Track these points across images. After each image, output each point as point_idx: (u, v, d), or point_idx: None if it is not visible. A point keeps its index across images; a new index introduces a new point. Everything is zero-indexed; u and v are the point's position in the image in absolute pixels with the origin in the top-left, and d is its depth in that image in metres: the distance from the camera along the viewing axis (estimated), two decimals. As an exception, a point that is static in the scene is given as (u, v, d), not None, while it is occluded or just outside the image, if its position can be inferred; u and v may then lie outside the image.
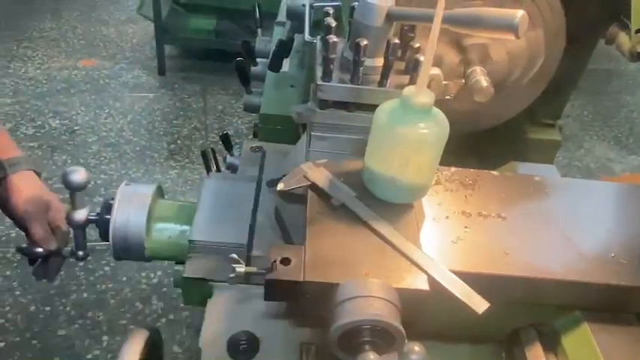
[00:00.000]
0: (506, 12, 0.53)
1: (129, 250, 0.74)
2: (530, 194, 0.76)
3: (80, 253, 0.76)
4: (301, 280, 0.53)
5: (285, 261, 0.55)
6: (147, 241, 0.74)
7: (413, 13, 0.65)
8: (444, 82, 0.77)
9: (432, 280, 0.56)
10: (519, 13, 0.53)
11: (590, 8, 0.91)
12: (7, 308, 2.00)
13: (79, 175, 0.70)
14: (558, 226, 0.70)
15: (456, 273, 0.59)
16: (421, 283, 0.55)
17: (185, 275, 0.70)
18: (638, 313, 0.66)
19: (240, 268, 0.57)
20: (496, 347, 0.76)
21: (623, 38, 0.84)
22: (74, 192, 0.71)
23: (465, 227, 0.68)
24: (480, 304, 0.54)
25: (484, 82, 0.80)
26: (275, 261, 0.54)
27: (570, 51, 0.92)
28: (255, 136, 1.19)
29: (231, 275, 0.57)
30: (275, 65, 1.14)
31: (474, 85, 0.81)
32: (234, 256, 0.57)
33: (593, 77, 3.74)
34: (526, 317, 0.72)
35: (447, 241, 0.65)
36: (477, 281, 0.59)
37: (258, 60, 1.37)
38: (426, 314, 0.58)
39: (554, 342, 0.68)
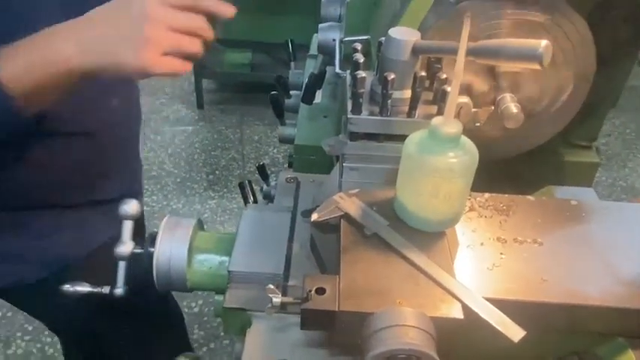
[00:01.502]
0: (530, 42, 0.55)
1: (171, 282, 0.76)
2: (567, 219, 0.75)
3: (119, 290, 0.77)
4: (336, 309, 0.54)
5: (320, 291, 0.56)
6: (188, 272, 0.75)
7: (438, 46, 0.66)
8: (474, 110, 0.78)
9: (466, 309, 0.56)
10: (543, 43, 0.54)
11: (621, 31, 0.91)
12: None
13: (131, 206, 0.74)
14: (597, 251, 0.69)
15: (491, 301, 0.58)
16: (456, 312, 0.55)
17: (225, 305, 0.72)
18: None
19: (277, 299, 0.58)
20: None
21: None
22: (125, 222, 0.74)
23: (501, 254, 0.68)
24: (516, 333, 0.54)
25: (514, 108, 0.80)
26: (310, 291, 0.55)
27: (604, 73, 0.92)
28: (290, 166, 1.21)
29: (269, 306, 0.59)
30: (308, 98, 1.17)
31: (505, 111, 0.81)
32: (271, 286, 0.59)
33: (636, 94, 3.65)
34: (567, 345, 0.70)
35: (482, 268, 0.65)
36: (514, 309, 0.58)
37: (291, 92, 1.41)
38: (462, 343, 0.58)
39: (599, 370, 0.67)
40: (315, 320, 0.56)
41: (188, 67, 0.72)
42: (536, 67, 0.55)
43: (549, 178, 1.01)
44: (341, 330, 0.56)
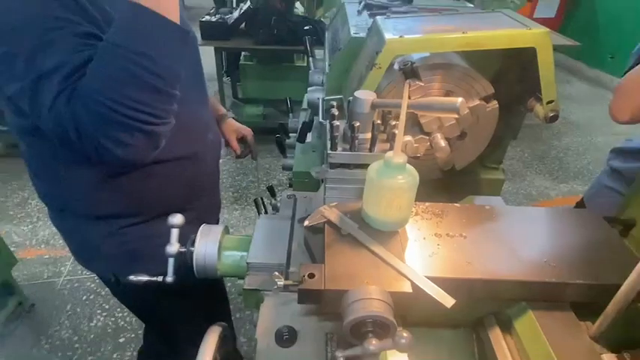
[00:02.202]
0: (450, 99, 0.56)
1: (207, 272, 0.75)
2: (483, 219, 0.75)
3: (169, 279, 0.75)
4: (322, 288, 0.55)
5: (311, 275, 0.56)
6: (218, 264, 0.75)
7: (388, 102, 0.68)
8: (415, 145, 0.79)
9: (414, 285, 0.57)
10: (459, 100, 0.55)
11: (515, 88, 0.93)
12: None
13: (177, 219, 0.74)
14: (505, 241, 0.69)
15: (431, 279, 0.58)
16: (406, 287, 0.56)
17: (245, 288, 0.71)
18: (571, 302, 0.64)
19: (281, 282, 0.58)
20: (468, 331, 0.74)
21: (538, 108, 0.85)
22: (172, 229, 0.74)
23: (438, 245, 0.68)
24: (448, 301, 0.54)
25: (442, 142, 0.82)
26: (304, 276, 0.55)
27: (505, 117, 0.94)
28: (290, 186, 1.21)
29: (275, 287, 0.58)
30: (301, 138, 1.17)
31: (436, 145, 0.83)
32: (277, 273, 0.59)
33: (531, 129, 3.71)
34: (486, 308, 0.70)
35: (424, 255, 0.65)
36: (448, 284, 0.58)
37: (290, 135, 1.42)
38: (413, 308, 0.58)
39: (509, 325, 0.66)
40: (308, 297, 0.56)
41: None
42: (455, 116, 0.56)
43: (470, 190, 1.02)
44: (326, 303, 0.56)
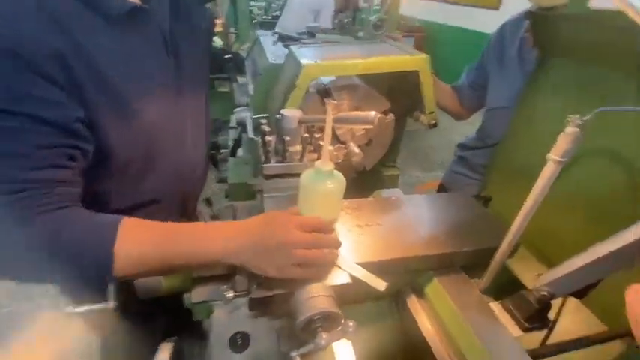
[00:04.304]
0: (366, 113, 0.53)
1: (149, 290, 0.59)
2: (391, 209, 0.75)
3: (111, 305, 0.58)
4: (271, 294, 0.47)
5: (259, 284, 0.48)
6: (162, 279, 0.60)
7: (313, 118, 0.63)
8: (335, 153, 0.76)
9: (352, 276, 0.52)
10: (373, 113, 0.52)
11: (404, 103, 0.96)
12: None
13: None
14: (410, 224, 0.69)
15: (361, 264, 0.55)
16: (345, 279, 0.51)
17: (193, 301, 0.59)
18: (462, 265, 0.66)
19: (230, 294, 0.48)
20: (389, 301, 0.73)
21: (422, 117, 0.88)
22: None
23: (360, 234, 0.65)
24: (381, 284, 0.51)
25: (356, 149, 0.80)
26: (253, 285, 0.47)
27: (397, 126, 0.96)
28: (226, 197, 1.08)
29: (223, 301, 0.49)
30: (233, 153, 1.06)
31: (351, 152, 0.80)
32: (224, 287, 0.49)
33: (405, 134, 4.01)
34: (403, 281, 0.69)
35: (352, 244, 0.62)
36: (374, 266, 0.56)
37: (222, 151, 1.28)
38: (354, 293, 0.53)
39: (421, 292, 0.66)
40: (258, 304, 0.48)
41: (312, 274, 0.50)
42: (371, 126, 0.53)
43: (377, 185, 1.03)
44: (276, 306, 0.49)
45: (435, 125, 0.86)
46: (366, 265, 0.55)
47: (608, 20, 0.56)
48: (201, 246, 0.50)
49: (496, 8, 4.10)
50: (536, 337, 0.56)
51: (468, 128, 1.20)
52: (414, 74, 0.80)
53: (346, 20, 0.98)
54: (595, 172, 0.64)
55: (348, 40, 1.00)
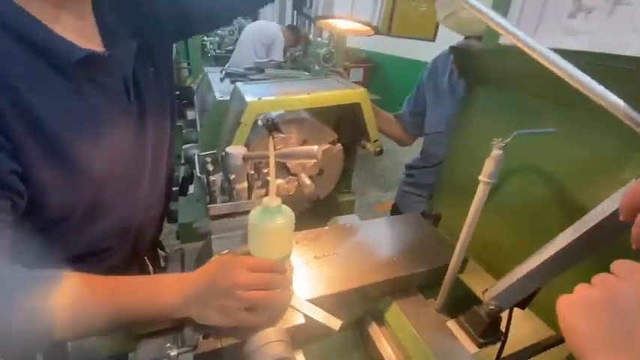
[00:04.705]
0: (308, 148, 0.54)
1: (84, 353, 0.53)
2: (347, 236, 0.75)
3: None
4: (219, 347, 0.43)
5: (206, 336, 0.44)
6: (98, 340, 0.54)
7: (258, 154, 0.62)
8: (286, 186, 0.75)
9: (305, 316, 0.50)
10: (315, 148, 0.53)
11: (350, 133, 0.99)
12: None
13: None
14: (366, 250, 0.69)
15: (321, 298, 0.54)
16: (299, 320, 0.49)
17: None
18: (417, 285, 0.67)
19: (174, 352, 0.44)
20: (352, 331, 0.72)
21: (368, 145, 0.92)
22: None
23: (319, 265, 0.64)
24: (335, 324, 0.49)
25: (307, 180, 0.81)
26: (198, 338, 0.43)
27: (347, 153, 0.99)
28: (178, 238, 1.02)
29: (167, 358, 0.44)
30: (183, 191, 1.01)
31: (303, 183, 0.81)
32: (168, 345, 0.44)
33: (361, 158, 4.15)
34: (363, 308, 0.68)
35: (310, 277, 0.60)
36: (332, 299, 0.55)
37: (173, 189, 1.22)
38: (307, 332, 0.51)
39: (381, 318, 0.66)
40: (206, 359, 0.44)
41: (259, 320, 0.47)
42: (314, 160, 0.54)
43: (333, 212, 1.03)
44: (228, 358, 0.45)
45: (380, 152, 0.90)
46: (326, 298, 0.54)
47: (516, 55, 0.64)
48: (151, 301, 0.47)
49: (432, 40, 4.55)
50: (492, 351, 0.58)
51: (416, 149, 1.28)
52: (358, 106, 0.84)
53: (297, 54, 1.02)
54: (526, 187, 0.70)
55: (296, 74, 1.03)
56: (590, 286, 0.34)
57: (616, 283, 0.32)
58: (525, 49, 0.39)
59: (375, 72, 5.51)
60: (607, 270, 0.34)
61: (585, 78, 0.37)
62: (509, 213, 0.73)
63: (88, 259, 0.53)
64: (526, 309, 0.58)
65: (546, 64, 0.38)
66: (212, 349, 0.42)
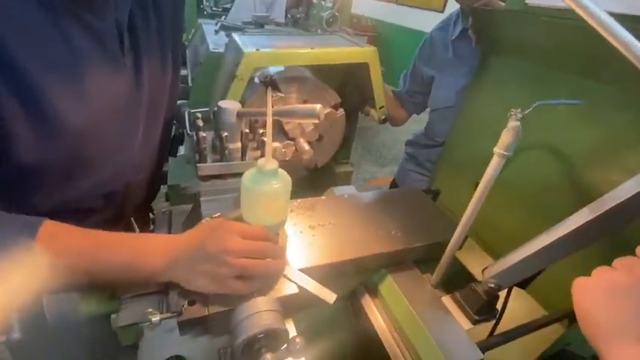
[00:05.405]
0: (310, 106, 0.48)
1: (63, 316, 0.49)
2: (344, 206, 0.72)
3: (16, 336, 0.47)
4: (206, 314, 0.40)
5: (192, 302, 0.41)
6: (81, 303, 0.50)
7: (254, 111, 0.56)
8: (283, 150, 0.70)
9: (299, 286, 0.47)
10: (317, 107, 0.48)
11: (354, 98, 0.93)
12: None
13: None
14: (363, 222, 0.67)
15: (313, 268, 0.51)
16: (292, 289, 0.46)
17: (119, 325, 0.50)
18: (414, 260, 0.65)
19: (156, 318, 0.41)
20: (344, 302, 0.70)
21: (373, 112, 0.87)
22: None
23: (313, 235, 0.61)
24: (330, 297, 0.47)
25: (306, 146, 0.75)
26: (183, 305, 0.40)
27: (348, 121, 0.93)
28: (167, 200, 0.97)
29: (148, 324, 0.41)
30: (173, 151, 0.95)
31: (301, 149, 0.75)
32: (150, 309, 0.41)
33: (358, 130, 4.08)
34: (357, 280, 0.67)
35: (304, 247, 0.57)
36: (326, 269, 0.52)
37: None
38: (299, 302, 0.49)
39: (375, 291, 0.64)
40: (191, 327, 0.41)
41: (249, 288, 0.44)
42: (316, 121, 0.49)
43: (330, 182, 1.00)
44: (214, 327, 0.42)
45: (385, 120, 0.85)
46: (320, 268, 0.52)
47: (544, 16, 0.57)
48: (135, 260, 0.43)
49: (441, 11, 4.32)
50: (485, 328, 0.57)
51: (414, 126, 1.23)
52: (364, 69, 0.77)
53: (299, 16, 0.94)
54: (532, 166, 0.66)
55: (298, 32, 0.94)
56: (612, 269, 0.32)
57: None
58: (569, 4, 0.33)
59: (380, 42, 5.27)
60: (609, 257, 0.31)
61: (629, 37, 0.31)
62: (511, 192, 0.70)
63: (66, 216, 0.49)
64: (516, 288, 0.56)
65: (590, 21, 0.32)
66: (198, 316, 0.39)
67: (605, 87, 0.53)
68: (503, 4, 0.64)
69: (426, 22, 4.50)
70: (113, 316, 0.55)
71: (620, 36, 0.32)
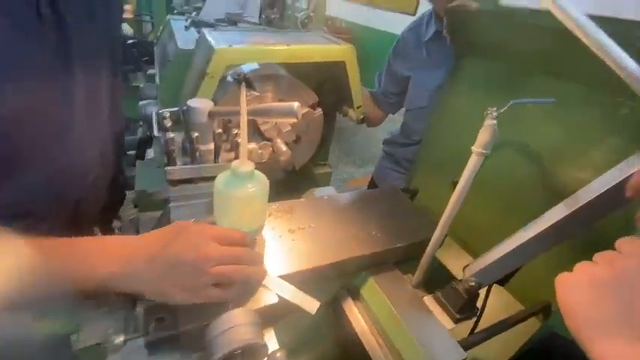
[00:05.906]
0: (288, 104, 0.46)
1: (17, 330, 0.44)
2: (324, 209, 0.70)
3: None
4: (178, 332, 0.37)
5: (160, 319, 0.37)
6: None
7: (227, 110, 0.53)
8: (259, 151, 0.67)
9: (279, 295, 0.45)
10: (295, 104, 0.45)
11: (331, 97, 0.92)
12: None
13: None
14: (343, 223, 0.65)
15: (293, 274, 0.49)
16: (272, 299, 0.44)
17: (80, 347, 0.45)
18: (395, 262, 0.65)
19: (119, 339, 0.37)
20: (326, 306, 0.68)
21: (351, 112, 0.85)
22: None
23: (292, 240, 0.59)
24: (312, 306, 0.44)
25: (283, 147, 0.73)
26: (151, 323, 0.36)
27: (326, 121, 0.92)
28: (135, 206, 0.90)
29: (112, 347, 0.37)
30: (140, 154, 0.89)
31: (278, 150, 0.73)
32: (111, 330, 0.37)
33: (337, 132, 4.08)
34: (338, 284, 0.65)
35: (283, 252, 0.55)
36: (307, 274, 0.50)
37: (128, 152, 1.07)
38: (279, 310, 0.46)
39: (357, 294, 0.63)
40: (160, 346, 0.37)
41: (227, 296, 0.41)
42: (294, 119, 0.46)
43: (309, 184, 0.97)
44: (186, 345, 0.38)
45: (363, 120, 0.84)
46: (301, 274, 0.49)
47: (518, 18, 0.59)
48: (81, 267, 0.38)
49: (413, 14, 4.43)
50: (466, 326, 0.57)
51: (390, 125, 1.24)
52: (341, 68, 0.75)
53: (273, 17, 0.91)
54: (506, 164, 0.68)
55: (272, 29, 0.91)
56: (593, 264, 0.32)
57: (623, 262, 0.29)
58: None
59: (354, 44, 5.33)
60: (586, 251, 0.32)
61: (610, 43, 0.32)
62: (486, 190, 0.71)
63: (6, 223, 0.42)
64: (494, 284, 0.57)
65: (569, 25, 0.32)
66: (167, 335, 0.36)
67: (574, 86, 0.55)
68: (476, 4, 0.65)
69: (400, 24, 4.60)
70: (73, 336, 0.50)
71: (594, 37, 0.32)
